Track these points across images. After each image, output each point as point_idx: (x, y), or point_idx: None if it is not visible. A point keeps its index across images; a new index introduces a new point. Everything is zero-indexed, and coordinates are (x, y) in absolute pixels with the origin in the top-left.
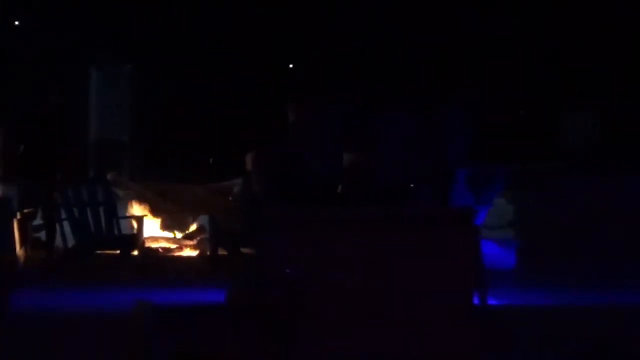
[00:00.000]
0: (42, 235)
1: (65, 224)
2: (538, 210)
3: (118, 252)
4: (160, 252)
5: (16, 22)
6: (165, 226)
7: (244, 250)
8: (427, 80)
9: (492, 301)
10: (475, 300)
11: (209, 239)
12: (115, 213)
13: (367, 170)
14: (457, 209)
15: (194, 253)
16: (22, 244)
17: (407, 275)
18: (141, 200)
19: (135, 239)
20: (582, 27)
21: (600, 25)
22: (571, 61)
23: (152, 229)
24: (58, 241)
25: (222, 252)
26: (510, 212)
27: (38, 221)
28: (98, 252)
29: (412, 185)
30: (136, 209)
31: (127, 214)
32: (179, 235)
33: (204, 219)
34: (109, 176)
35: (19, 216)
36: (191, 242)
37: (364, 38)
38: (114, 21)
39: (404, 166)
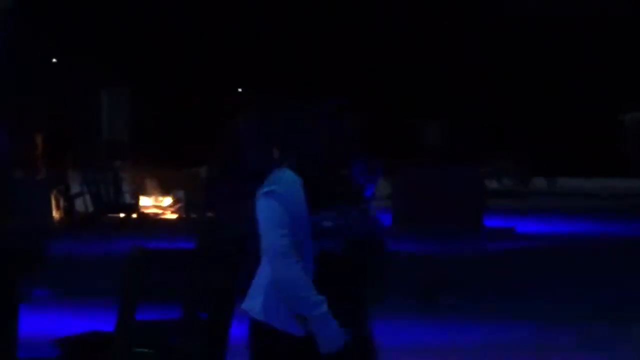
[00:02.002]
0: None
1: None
2: (404, 187)
3: (122, 215)
4: (151, 215)
5: (54, 60)
6: (154, 198)
7: (208, 214)
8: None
9: None
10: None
11: (184, 206)
12: (120, 188)
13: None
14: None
15: (174, 216)
16: (56, 209)
17: None
18: (138, 180)
19: (134, 206)
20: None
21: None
22: (428, 81)
23: (146, 200)
24: (82, 207)
25: (193, 215)
26: (388, 188)
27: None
28: (109, 214)
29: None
30: (135, 183)
31: (129, 189)
32: (163, 204)
33: (180, 193)
34: (116, 163)
35: (54, 192)
36: (172, 209)
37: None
38: (117, 60)
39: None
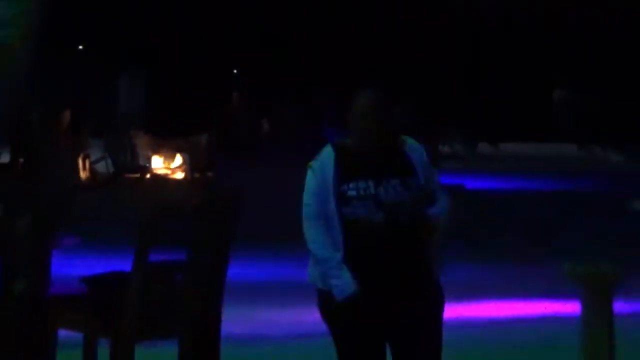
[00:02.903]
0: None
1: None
2: None
3: (137, 175)
4: (161, 175)
5: (80, 47)
6: (164, 161)
7: (208, 174)
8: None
9: None
10: None
11: (188, 168)
12: (136, 153)
13: None
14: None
15: (181, 176)
16: (82, 171)
17: None
18: (150, 146)
19: (148, 168)
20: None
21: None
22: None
23: (157, 162)
24: (103, 169)
25: (196, 175)
26: None
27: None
28: (126, 175)
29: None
30: (148, 151)
31: (142, 154)
32: (171, 166)
33: (185, 156)
34: (132, 132)
35: (80, 157)
36: (178, 170)
37: None
38: (133, 48)
39: None
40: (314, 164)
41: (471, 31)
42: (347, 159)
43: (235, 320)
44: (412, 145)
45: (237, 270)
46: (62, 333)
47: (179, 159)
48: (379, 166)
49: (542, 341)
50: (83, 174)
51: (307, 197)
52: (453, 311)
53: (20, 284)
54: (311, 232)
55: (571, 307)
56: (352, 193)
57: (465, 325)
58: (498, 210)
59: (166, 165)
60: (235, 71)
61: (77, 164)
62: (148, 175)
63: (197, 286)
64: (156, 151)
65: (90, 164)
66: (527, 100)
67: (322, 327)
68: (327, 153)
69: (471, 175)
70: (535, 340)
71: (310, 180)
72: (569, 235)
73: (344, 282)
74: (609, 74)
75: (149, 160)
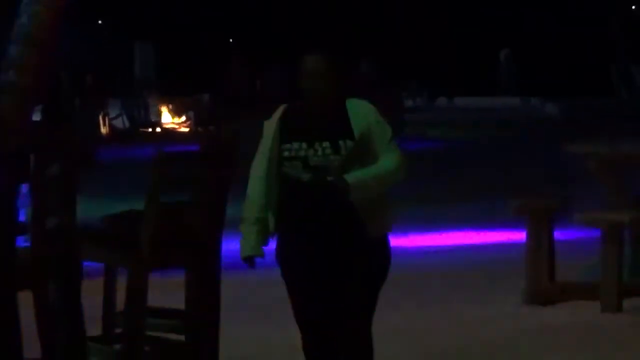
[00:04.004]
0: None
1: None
2: None
3: (150, 129)
4: (170, 129)
5: (99, 21)
6: (172, 116)
7: (210, 127)
8: None
9: None
10: None
11: (193, 123)
12: (148, 110)
13: None
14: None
15: (186, 130)
16: (103, 126)
17: None
18: (161, 103)
19: (158, 123)
20: None
21: None
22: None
23: (166, 117)
24: (120, 125)
25: (199, 128)
26: None
27: (112, 115)
28: (140, 129)
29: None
30: (158, 109)
31: (154, 111)
32: (179, 121)
33: (190, 113)
34: (145, 93)
35: (100, 114)
36: (184, 124)
37: None
38: (146, 20)
39: None
40: (265, 123)
41: None
42: (290, 120)
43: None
44: (357, 107)
45: (237, 208)
46: (86, 263)
47: (185, 115)
48: (314, 128)
49: (495, 264)
50: (103, 129)
51: (256, 156)
52: (418, 240)
53: (52, 222)
54: (248, 189)
55: (518, 236)
56: (286, 154)
57: (431, 251)
58: (455, 154)
59: (174, 121)
60: (231, 40)
61: (98, 121)
62: (159, 129)
63: (201, 222)
64: (165, 109)
65: (109, 120)
66: (477, 59)
67: None
68: (276, 113)
69: (431, 125)
70: (488, 263)
71: (262, 136)
72: (515, 175)
73: (246, 243)
74: (547, 36)
75: (159, 116)
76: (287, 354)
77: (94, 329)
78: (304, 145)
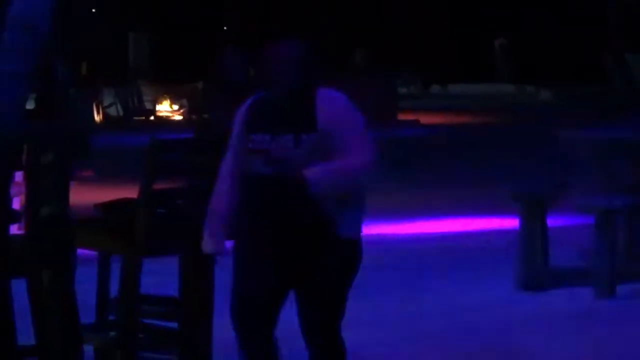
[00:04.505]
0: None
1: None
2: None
3: (144, 117)
4: (164, 117)
5: (93, 10)
6: (166, 104)
7: (204, 115)
8: None
9: None
10: None
11: (187, 110)
12: (142, 99)
13: None
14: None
15: (181, 117)
16: (97, 114)
17: None
18: (154, 91)
19: (153, 111)
20: None
21: None
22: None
23: (160, 106)
24: (114, 113)
25: (193, 116)
26: None
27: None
28: (134, 117)
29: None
30: (152, 97)
31: (149, 99)
32: (173, 109)
33: (184, 101)
34: (139, 81)
35: (95, 102)
36: (179, 112)
37: None
38: (140, 10)
39: None
40: (237, 114)
41: None
42: (257, 110)
43: None
44: (326, 98)
45: None
46: (80, 251)
47: (179, 103)
48: (279, 119)
49: (489, 250)
50: (97, 117)
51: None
52: (413, 227)
53: (45, 210)
54: (216, 182)
55: (512, 222)
56: (250, 146)
57: (425, 238)
58: (449, 141)
59: (168, 108)
60: (225, 28)
61: (92, 109)
62: (153, 117)
63: (195, 209)
64: (159, 97)
65: (103, 108)
66: (472, 47)
67: None
68: (245, 105)
69: (425, 112)
70: (482, 249)
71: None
72: (509, 162)
73: (209, 239)
74: (541, 25)
75: (153, 104)
76: (281, 339)
77: (87, 316)
78: (267, 137)
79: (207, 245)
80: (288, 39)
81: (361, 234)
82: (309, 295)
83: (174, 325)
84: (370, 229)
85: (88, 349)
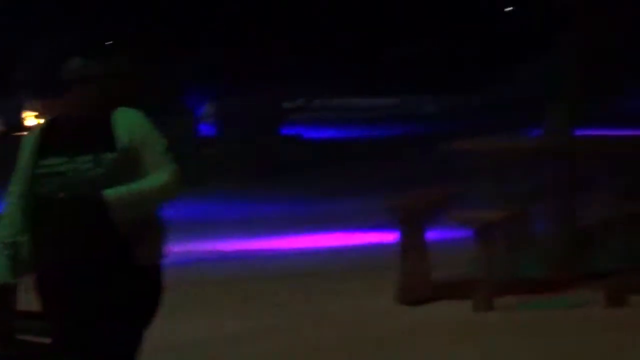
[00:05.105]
0: None
1: None
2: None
3: (25, 133)
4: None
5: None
6: (43, 118)
7: None
8: None
9: None
10: None
11: None
12: (24, 113)
13: None
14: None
15: None
16: None
17: None
18: (38, 107)
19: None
20: None
21: None
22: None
23: (34, 120)
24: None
25: None
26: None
27: None
28: (15, 134)
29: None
30: (35, 112)
31: (30, 115)
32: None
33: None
34: (22, 96)
35: None
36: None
37: None
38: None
39: None
40: (24, 138)
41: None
42: (52, 133)
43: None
44: (125, 118)
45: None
46: None
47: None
48: (76, 141)
49: (369, 263)
50: None
51: (14, 173)
52: (295, 241)
53: None
54: (4, 208)
55: (393, 234)
56: (43, 170)
57: (307, 253)
58: (331, 153)
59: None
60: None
61: None
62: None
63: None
64: (44, 112)
65: None
66: (356, 60)
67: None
68: (38, 126)
69: (307, 125)
70: (363, 262)
71: (20, 155)
72: (390, 174)
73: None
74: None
75: (37, 119)
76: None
77: None
78: (64, 159)
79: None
80: (76, 57)
81: (162, 258)
82: (104, 328)
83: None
84: (253, 244)
85: None
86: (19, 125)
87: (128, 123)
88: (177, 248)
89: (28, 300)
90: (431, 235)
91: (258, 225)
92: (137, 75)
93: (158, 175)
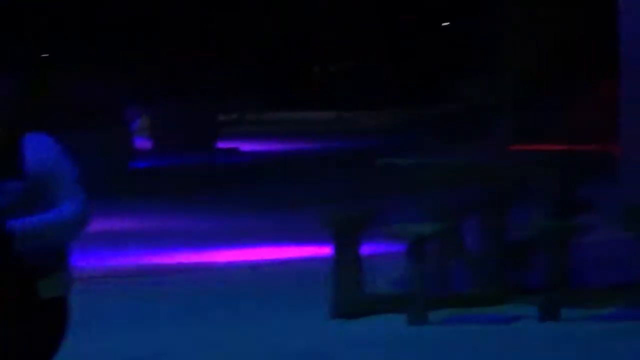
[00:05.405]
0: None
1: None
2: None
3: None
4: None
5: None
6: None
7: None
8: None
9: None
10: None
11: None
12: None
13: None
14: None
15: None
16: None
17: None
18: None
19: None
20: None
21: None
22: None
23: None
24: None
25: None
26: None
27: None
28: None
29: None
30: None
31: None
32: None
33: None
34: None
35: None
36: None
37: None
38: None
39: None
40: None
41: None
42: None
43: None
44: (34, 143)
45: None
46: None
47: None
48: None
49: (303, 278)
50: None
51: None
52: (229, 255)
53: None
54: None
55: (327, 249)
56: None
57: (240, 266)
58: (268, 168)
59: None
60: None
61: None
62: None
63: None
64: None
65: None
66: (293, 74)
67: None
68: None
69: (243, 139)
70: (297, 276)
71: None
72: (325, 188)
73: None
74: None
75: None
76: None
77: None
78: None
79: None
80: None
81: (68, 291)
82: None
83: None
84: (188, 257)
85: None
86: None
87: (38, 149)
88: (111, 261)
89: None
90: (365, 249)
91: (193, 238)
92: (16, 99)
93: (68, 206)
